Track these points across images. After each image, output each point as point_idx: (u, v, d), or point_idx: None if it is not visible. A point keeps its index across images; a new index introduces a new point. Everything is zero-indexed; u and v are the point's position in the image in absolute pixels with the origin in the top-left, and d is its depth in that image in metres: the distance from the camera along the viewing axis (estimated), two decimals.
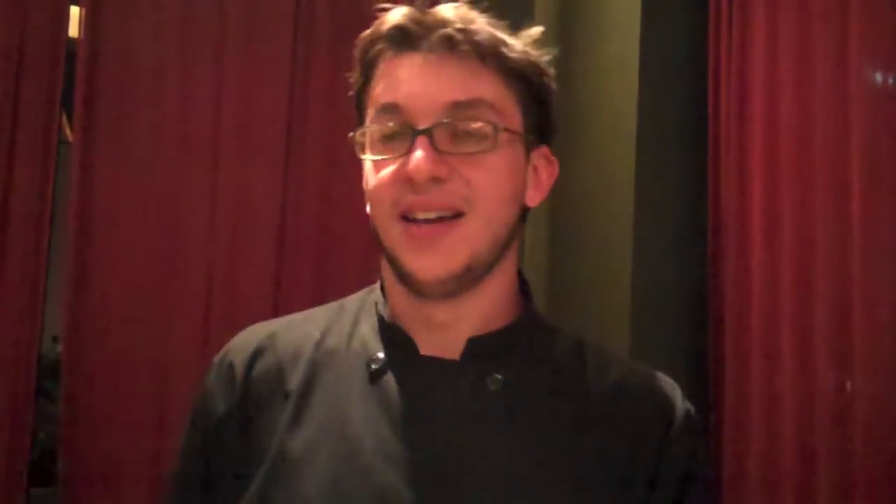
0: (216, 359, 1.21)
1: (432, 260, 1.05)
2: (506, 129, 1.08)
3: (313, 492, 1.03)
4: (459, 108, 1.06)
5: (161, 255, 3.04)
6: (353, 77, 1.16)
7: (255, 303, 3.10)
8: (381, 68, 1.11)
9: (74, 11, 2.99)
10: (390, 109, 1.08)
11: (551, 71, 1.15)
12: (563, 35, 3.17)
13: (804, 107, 2.47)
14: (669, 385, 1.17)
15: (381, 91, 1.10)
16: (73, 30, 2.99)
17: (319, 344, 1.16)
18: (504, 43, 1.10)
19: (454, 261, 1.05)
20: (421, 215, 1.05)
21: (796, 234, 2.46)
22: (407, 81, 1.07)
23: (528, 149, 1.14)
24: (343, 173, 3.19)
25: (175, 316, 3.04)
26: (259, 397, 1.13)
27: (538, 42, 1.14)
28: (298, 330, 1.19)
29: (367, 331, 1.15)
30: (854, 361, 2.28)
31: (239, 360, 1.18)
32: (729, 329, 2.67)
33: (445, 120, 1.05)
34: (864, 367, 2.25)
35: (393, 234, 1.07)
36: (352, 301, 1.23)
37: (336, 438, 1.06)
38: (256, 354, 1.17)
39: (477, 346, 1.10)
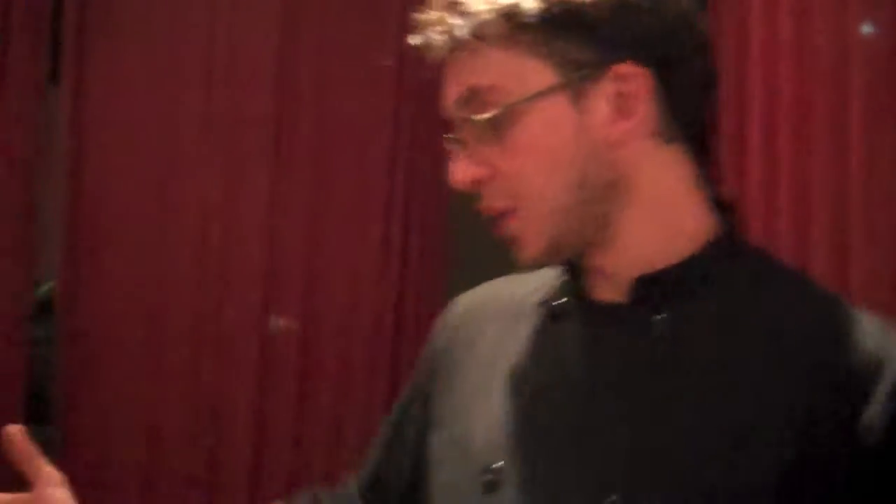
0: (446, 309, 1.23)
1: (518, 253, 1.03)
2: (517, 102, 0.98)
3: (479, 426, 1.05)
4: (460, 106, 1.01)
5: (155, 188, 3.03)
6: None
7: (251, 232, 3.10)
8: None
9: None
10: None
11: None
12: None
13: (803, 66, 2.45)
14: (888, 331, 0.99)
15: None
16: None
17: (511, 296, 1.15)
18: (496, 8, 0.98)
19: (535, 249, 1.01)
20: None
21: (794, 194, 2.47)
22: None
23: (576, 90, 0.98)
24: (338, 91, 3.14)
25: (170, 249, 3.05)
26: (459, 342, 1.15)
27: None
28: (500, 287, 1.19)
29: (549, 278, 1.10)
30: None
31: (454, 310, 1.19)
32: None
33: (457, 121, 1.01)
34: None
35: None
36: None
37: (503, 379, 1.06)
38: (466, 306, 1.18)
39: (645, 287, 1.01)
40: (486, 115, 0.98)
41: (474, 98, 0.99)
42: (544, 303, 1.08)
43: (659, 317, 0.99)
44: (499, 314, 1.13)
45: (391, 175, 3.09)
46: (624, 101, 0.98)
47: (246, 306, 3.07)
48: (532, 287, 1.12)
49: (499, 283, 1.19)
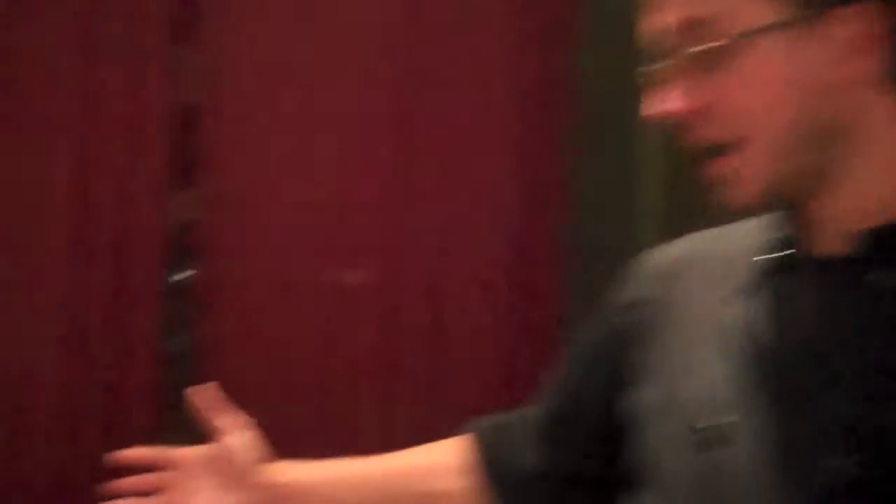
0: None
1: (731, 194, 0.98)
2: (742, 35, 0.93)
3: (696, 383, 1.03)
4: (677, 35, 0.96)
5: (282, 171, 3.15)
6: None
7: (372, 231, 3.17)
8: None
9: None
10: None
11: None
12: None
13: None
14: None
15: None
16: None
17: (717, 250, 1.11)
18: None
19: (750, 190, 0.97)
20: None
21: None
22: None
23: (804, 28, 0.93)
24: (459, 88, 3.16)
25: (301, 201, 3.14)
26: (662, 297, 1.12)
27: None
28: (704, 241, 1.15)
29: (756, 232, 1.06)
30: None
31: (652, 265, 1.17)
32: None
33: (672, 50, 0.96)
34: None
35: None
36: None
37: (718, 336, 1.02)
38: (668, 260, 1.16)
39: (873, 239, 0.95)
40: (709, 46, 0.93)
41: (694, 27, 0.94)
42: (759, 257, 1.03)
43: (887, 271, 0.93)
44: (706, 269, 1.09)
45: (512, 170, 3.16)
46: (852, 44, 0.93)
47: (368, 307, 3.17)
48: (739, 241, 1.08)
49: (701, 237, 1.16)
